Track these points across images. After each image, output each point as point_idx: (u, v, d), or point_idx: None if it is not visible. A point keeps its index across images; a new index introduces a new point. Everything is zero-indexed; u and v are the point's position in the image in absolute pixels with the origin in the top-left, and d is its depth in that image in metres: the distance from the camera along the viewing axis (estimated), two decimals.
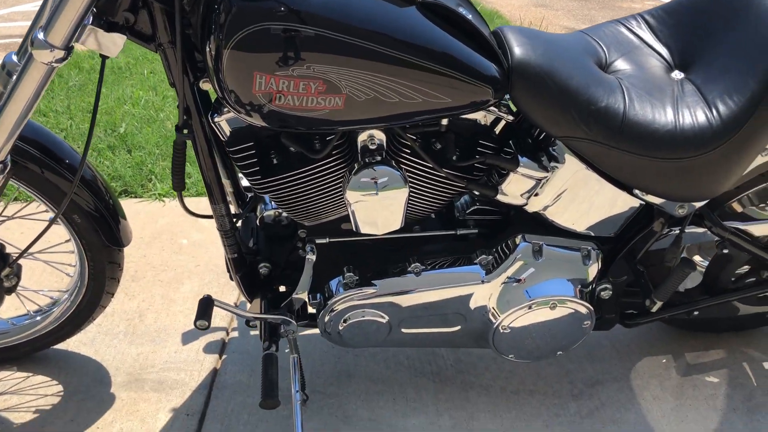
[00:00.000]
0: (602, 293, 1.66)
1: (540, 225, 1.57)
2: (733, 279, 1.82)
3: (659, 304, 1.66)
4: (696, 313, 1.81)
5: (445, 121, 1.39)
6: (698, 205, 1.54)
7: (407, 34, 1.22)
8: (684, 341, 2.00)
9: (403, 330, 1.59)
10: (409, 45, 1.22)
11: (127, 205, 2.62)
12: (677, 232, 1.60)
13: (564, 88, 1.37)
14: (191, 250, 2.34)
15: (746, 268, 1.85)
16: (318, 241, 1.54)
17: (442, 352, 1.92)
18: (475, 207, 1.61)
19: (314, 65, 1.16)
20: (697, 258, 1.90)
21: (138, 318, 2.02)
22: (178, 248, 2.36)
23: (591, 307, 1.57)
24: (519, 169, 1.44)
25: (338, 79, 1.19)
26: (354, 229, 1.45)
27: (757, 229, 1.67)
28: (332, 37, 1.16)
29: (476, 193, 1.55)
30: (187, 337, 1.95)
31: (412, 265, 1.53)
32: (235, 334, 1.98)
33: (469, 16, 1.34)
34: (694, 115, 1.39)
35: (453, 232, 1.59)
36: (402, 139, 1.38)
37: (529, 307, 1.53)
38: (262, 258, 1.61)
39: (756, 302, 1.91)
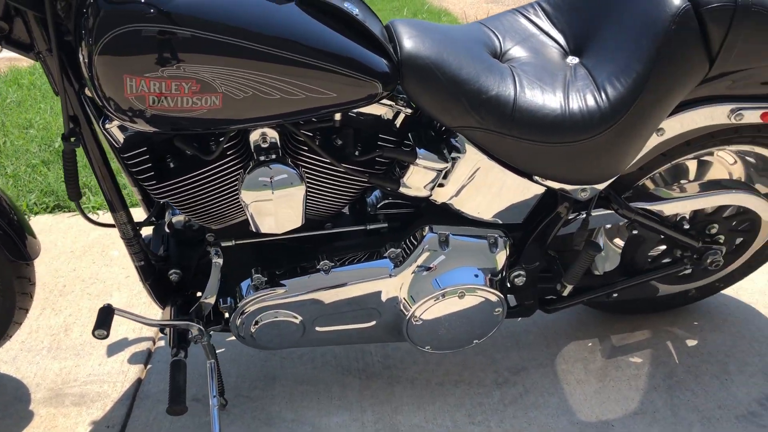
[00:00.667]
0: (516, 280, 1.68)
1: (449, 215, 1.58)
2: (649, 259, 1.85)
3: (570, 287, 1.68)
4: (615, 295, 1.84)
5: (338, 116, 1.39)
6: (600, 188, 1.56)
7: (284, 31, 1.22)
8: (611, 324, 2.02)
9: (318, 329, 1.59)
10: (286, 41, 1.21)
11: (59, 219, 2.60)
12: (584, 215, 1.62)
13: (454, 78, 1.38)
14: (122, 262, 2.32)
15: (662, 247, 1.88)
16: (224, 243, 1.53)
17: (370, 348, 1.92)
18: (386, 201, 1.61)
19: (184, 65, 1.16)
20: (617, 240, 1.93)
21: (63, 332, 1.99)
22: (108, 260, 2.33)
23: (501, 295, 1.58)
24: (418, 161, 1.44)
25: (212, 78, 1.18)
26: (253, 229, 1.45)
27: (665, 208, 1.69)
28: (201, 36, 1.15)
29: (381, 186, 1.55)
30: (113, 349, 1.93)
31: (321, 263, 1.53)
32: (162, 343, 1.96)
33: (356, 11, 1.35)
34: (583, 99, 1.41)
35: (363, 227, 1.59)
36: (297, 135, 1.38)
37: (438, 298, 1.54)
38: (173, 264, 1.59)
39: (676, 281, 1.94)
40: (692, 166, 1.82)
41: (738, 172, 1.83)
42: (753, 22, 1.37)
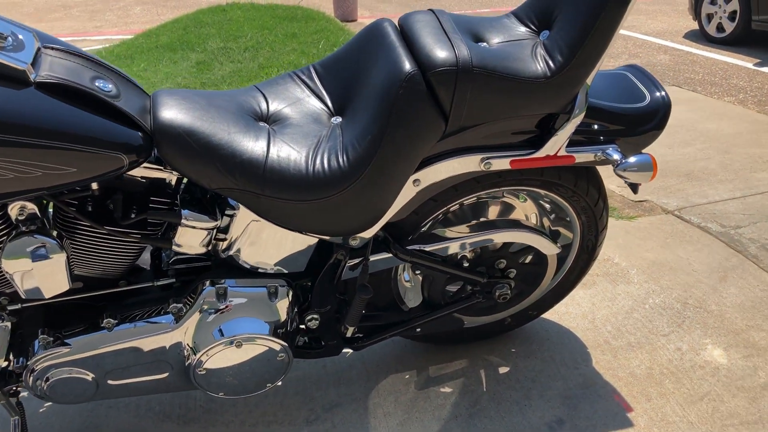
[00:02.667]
0: (310, 323, 1.77)
1: (235, 268, 1.67)
2: (447, 294, 1.96)
3: (351, 329, 1.78)
4: (419, 330, 1.94)
5: (95, 185, 1.48)
6: (368, 236, 1.66)
7: (14, 116, 1.30)
8: (433, 354, 2.13)
9: (111, 382, 1.67)
10: (15, 125, 1.30)
11: None
12: (362, 260, 1.73)
13: (206, 143, 1.48)
14: None
15: (459, 283, 1.99)
16: (10, 307, 1.61)
17: (195, 393, 2.00)
18: (178, 256, 1.71)
19: None
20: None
21: None
22: None
23: (283, 343, 1.67)
24: (184, 222, 1.53)
25: None
26: (22, 295, 1.53)
27: (441, 249, 1.80)
28: None
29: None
30: None
31: (105, 321, 1.61)
32: None
33: (109, 87, 1.44)
34: (329, 158, 1.52)
35: (151, 284, 1.68)
36: (60, 205, 1.47)
37: (216, 348, 1.63)
38: None
39: (483, 312, 2.05)
40: (488, 206, 1.93)
41: (530, 210, 1.95)
42: (476, 83, 1.49)
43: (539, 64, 1.55)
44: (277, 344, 1.67)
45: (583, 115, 1.62)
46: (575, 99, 1.60)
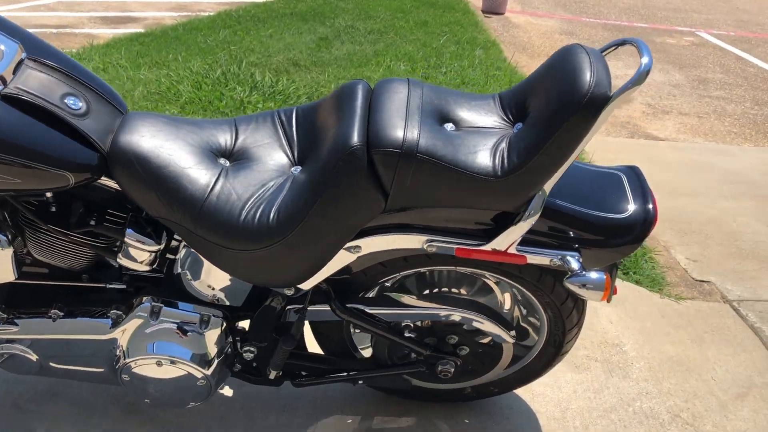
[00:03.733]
0: (245, 354, 1.81)
1: (180, 290, 1.74)
2: (396, 355, 1.92)
3: (274, 373, 1.79)
4: (360, 381, 1.93)
5: (49, 194, 1.58)
6: (306, 287, 1.66)
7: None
8: (383, 404, 2.11)
9: (53, 365, 1.80)
10: None
11: None
12: (301, 308, 1.73)
13: (154, 173, 1.53)
14: None
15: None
16: None
17: None
18: None
19: None
20: None
21: None
22: None
23: (204, 371, 1.72)
24: (126, 239, 1.61)
25: None
26: None
27: (382, 314, 1.77)
28: None
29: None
30: None
31: (52, 311, 1.73)
32: None
33: (79, 105, 1.53)
34: (263, 210, 1.52)
35: (103, 285, 1.78)
36: (16, 205, 1.59)
37: (140, 361, 1.71)
38: None
39: (437, 379, 2.00)
40: (448, 279, 1.86)
41: (495, 292, 1.87)
42: (418, 169, 1.43)
43: (495, 160, 1.47)
44: (198, 371, 1.72)
45: (536, 217, 1.52)
46: (530, 200, 1.51)
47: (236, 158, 1.66)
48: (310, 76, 4.93)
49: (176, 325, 1.71)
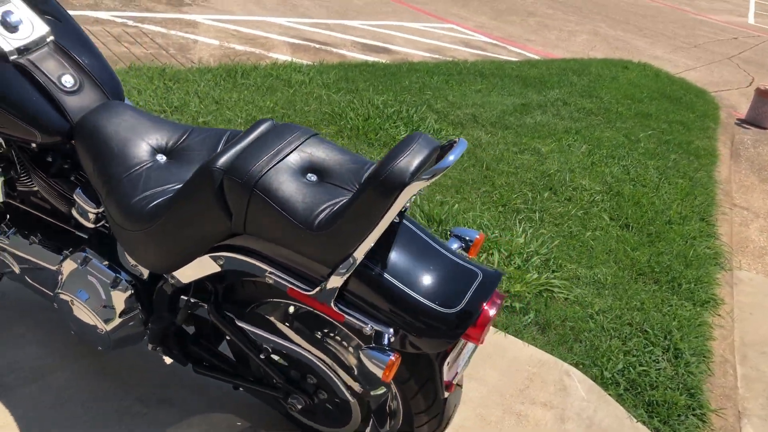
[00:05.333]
0: (152, 324, 2.08)
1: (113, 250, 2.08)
2: (259, 371, 2.05)
3: (151, 345, 2.03)
4: (241, 389, 2.10)
5: (33, 145, 2.02)
6: (184, 281, 1.89)
7: None
8: (276, 421, 2.24)
9: (21, 275, 2.24)
10: None
11: None
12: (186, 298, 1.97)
13: (96, 150, 1.89)
14: None
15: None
16: None
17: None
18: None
19: None
20: None
21: None
22: None
23: (103, 324, 2.03)
24: (74, 195, 1.99)
25: None
26: None
27: (251, 332, 1.91)
28: None
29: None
30: None
31: (10, 230, 2.16)
32: None
33: (71, 83, 1.96)
34: (151, 200, 1.80)
35: (65, 228, 2.15)
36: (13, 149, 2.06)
37: (63, 295, 2.07)
38: None
39: (325, 422, 2.07)
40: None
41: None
42: (254, 201, 1.60)
43: (320, 216, 1.58)
44: (99, 322, 2.04)
45: (341, 279, 1.59)
46: (344, 260, 1.57)
47: (171, 157, 1.96)
48: (476, 134, 5.07)
49: (94, 278, 2.05)
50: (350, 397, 1.86)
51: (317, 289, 1.63)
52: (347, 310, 1.65)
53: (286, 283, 1.69)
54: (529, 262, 3.49)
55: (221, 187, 1.64)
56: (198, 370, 2.12)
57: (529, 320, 3.08)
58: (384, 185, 1.45)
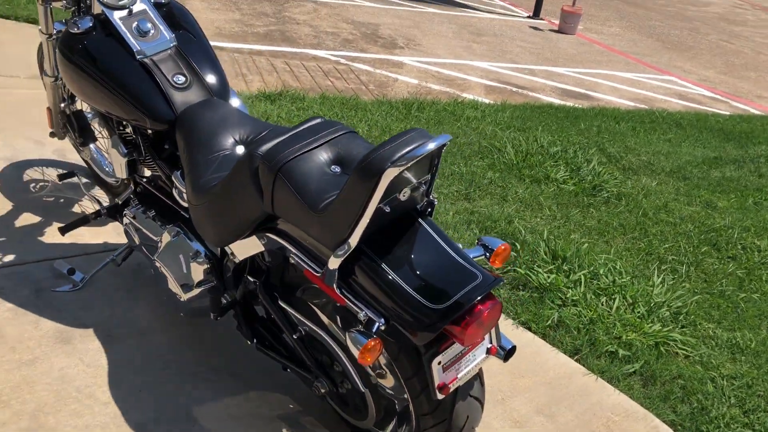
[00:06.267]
0: (223, 298, 2.31)
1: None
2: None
3: (212, 315, 2.24)
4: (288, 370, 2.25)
5: (149, 132, 2.38)
6: (237, 259, 2.10)
7: (116, 69, 2.29)
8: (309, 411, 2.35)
9: (142, 247, 2.62)
10: (109, 74, 2.29)
11: None
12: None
13: (188, 140, 2.20)
14: None
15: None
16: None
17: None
18: None
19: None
20: None
21: None
22: None
23: (182, 294, 2.29)
24: (173, 177, 2.31)
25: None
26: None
27: (289, 312, 2.05)
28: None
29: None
30: None
31: (136, 206, 2.53)
32: None
33: (181, 80, 2.31)
34: (211, 178, 2.04)
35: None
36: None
37: (154, 264, 2.38)
38: None
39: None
40: None
41: None
42: (278, 184, 1.77)
43: (327, 199, 1.70)
44: (179, 290, 2.31)
45: (337, 261, 1.68)
46: (342, 243, 1.67)
47: (247, 148, 2.20)
48: (644, 180, 4.79)
49: (180, 250, 2.34)
50: (362, 387, 1.92)
51: (323, 270, 1.74)
52: (348, 295, 1.73)
53: (303, 264, 1.82)
54: (654, 313, 3.24)
55: (257, 169, 1.83)
56: (259, 347, 2.31)
57: (633, 370, 2.86)
58: (364, 170, 1.53)
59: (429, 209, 1.85)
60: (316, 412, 2.35)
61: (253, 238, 1.98)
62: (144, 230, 2.55)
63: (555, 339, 2.97)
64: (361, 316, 1.70)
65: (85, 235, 3.10)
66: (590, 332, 3.02)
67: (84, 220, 2.75)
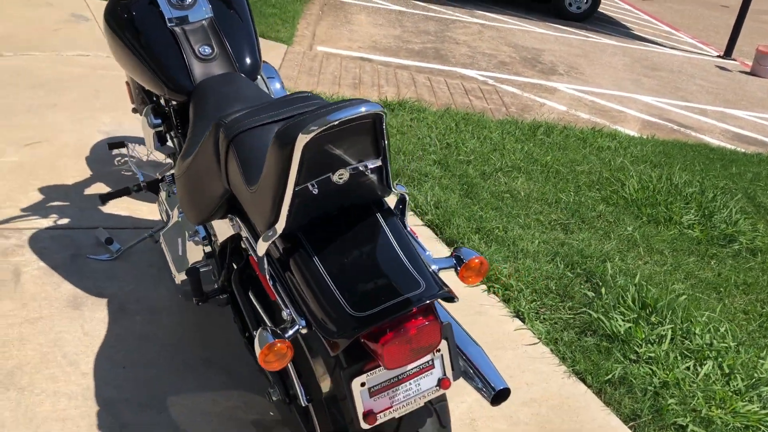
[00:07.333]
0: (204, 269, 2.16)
1: None
2: None
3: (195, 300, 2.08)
4: None
5: (174, 102, 2.29)
6: (218, 240, 1.94)
7: (147, 34, 2.24)
8: None
9: None
10: (139, 42, 2.24)
11: None
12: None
13: (201, 109, 2.09)
14: None
15: None
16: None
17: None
18: None
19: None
20: None
21: None
22: None
23: (177, 274, 2.17)
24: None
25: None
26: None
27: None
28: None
29: None
30: None
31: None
32: None
33: (207, 51, 2.21)
34: None
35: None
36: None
37: (160, 244, 2.28)
38: None
39: None
40: None
41: None
42: (229, 156, 1.58)
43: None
44: (174, 270, 2.19)
45: (264, 245, 1.46)
46: (270, 227, 1.44)
47: None
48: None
49: (180, 230, 2.22)
50: (304, 401, 1.66)
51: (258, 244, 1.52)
52: (279, 289, 1.49)
53: (250, 250, 1.61)
54: (755, 390, 2.63)
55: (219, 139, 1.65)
56: (246, 343, 2.13)
57: None
58: (278, 138, 1.30)
59: (401, 205, 1.57)
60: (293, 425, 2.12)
61: (225, 220, 1.81)
62: (167, 207, 2.48)
63: (612, 398, 2.49)
64: (285, 314, 1.46)
65: (142, 210, 3.11)
66: (659, 397, 2.50)
67: (125, 191, 2.73)
